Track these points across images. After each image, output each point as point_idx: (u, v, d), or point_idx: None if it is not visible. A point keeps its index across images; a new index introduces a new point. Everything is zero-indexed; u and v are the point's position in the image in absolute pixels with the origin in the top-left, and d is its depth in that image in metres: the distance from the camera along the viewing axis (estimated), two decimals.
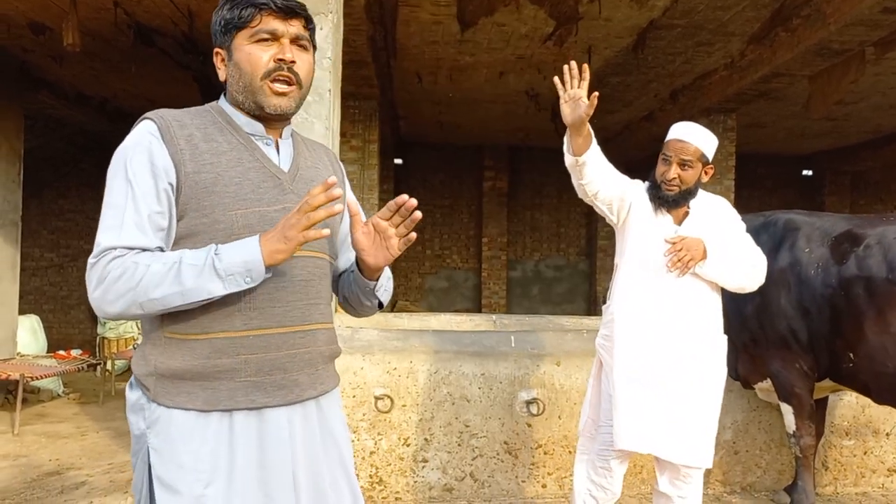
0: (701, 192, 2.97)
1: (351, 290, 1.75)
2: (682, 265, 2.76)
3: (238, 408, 1.51)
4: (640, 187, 3.03)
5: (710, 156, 2.91)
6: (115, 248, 1.44)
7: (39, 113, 9.35)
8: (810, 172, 14.35)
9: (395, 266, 13.85)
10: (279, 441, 1.54)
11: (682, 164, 2.83)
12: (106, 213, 1.48)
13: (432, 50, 7.77)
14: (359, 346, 4.13)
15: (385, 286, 1.75)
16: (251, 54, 1.55)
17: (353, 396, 4.07)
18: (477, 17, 6.75)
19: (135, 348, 7.49)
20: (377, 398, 4.08)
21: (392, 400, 4.09)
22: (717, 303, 2.95)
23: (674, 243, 2.78)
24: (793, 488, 3.90)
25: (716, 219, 2.93)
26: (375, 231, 1.57)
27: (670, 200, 2.87)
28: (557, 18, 6.76)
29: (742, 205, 8.23)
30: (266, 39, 1.56)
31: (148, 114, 1.56)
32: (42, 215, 11.89)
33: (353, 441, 4.05)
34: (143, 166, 1.48)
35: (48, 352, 8.34)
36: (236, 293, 1.48)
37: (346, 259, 1.81)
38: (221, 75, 1.62)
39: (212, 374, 1.50)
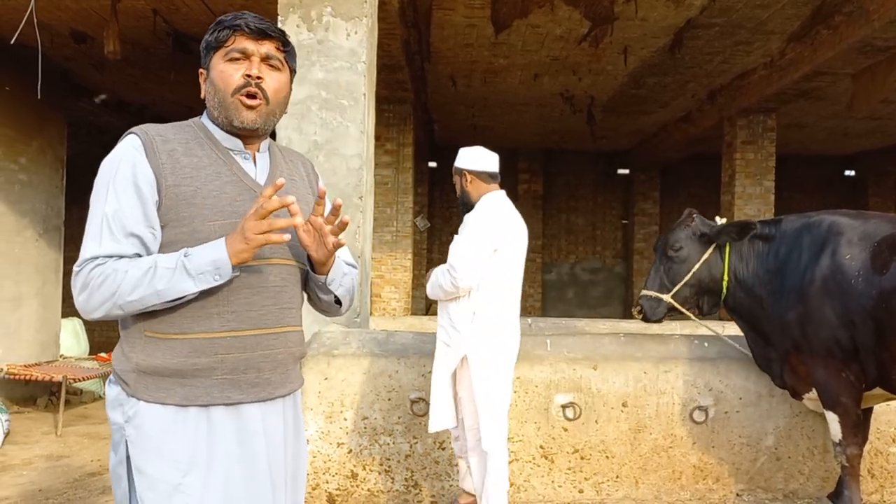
0: (488, 201, 3.66)
1: (309, 286, 1.86)
2: None
3: (214, 403, 1.63)
4: None
5: (463, 164, 3.72)
6: (96, 258, 1.58)
7: (81, 120, 9.56)
8: (853, 173, 14.03)
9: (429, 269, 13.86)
10: (254, 434, 1.67)
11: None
12: (91, 221, 1.63)
13: (466, 53, 7.77)
14: (394, 350, 4.13)
15: (340, 281, 1.82)
16: (223, 71, 1.67)
17: (389, 399, 4.07)
18: (511, 19, 6.73)
19: None
20: (413, 401, 4.08)
21: (427, 403, 4.08)
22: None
23: None
24: (837, 496, 3.78)
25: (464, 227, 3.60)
26: (314, 228, 1.68)
27: (462, 213, 3.75)
28: (592, 19, 6.70)
29: (782, 207, 8.03)
30: (238, 58, 1.68)
31: (133, 128, 1.67)
32: (84, 220, 11.98)
33: (388, 444, 4.08)
34: (126, 179, 1.60)
35: (90, 354, 8.52)
36: (215, 296, 1.61)
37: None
38: (202, 93, 1.74)
39: (190, 372, 1.61)
